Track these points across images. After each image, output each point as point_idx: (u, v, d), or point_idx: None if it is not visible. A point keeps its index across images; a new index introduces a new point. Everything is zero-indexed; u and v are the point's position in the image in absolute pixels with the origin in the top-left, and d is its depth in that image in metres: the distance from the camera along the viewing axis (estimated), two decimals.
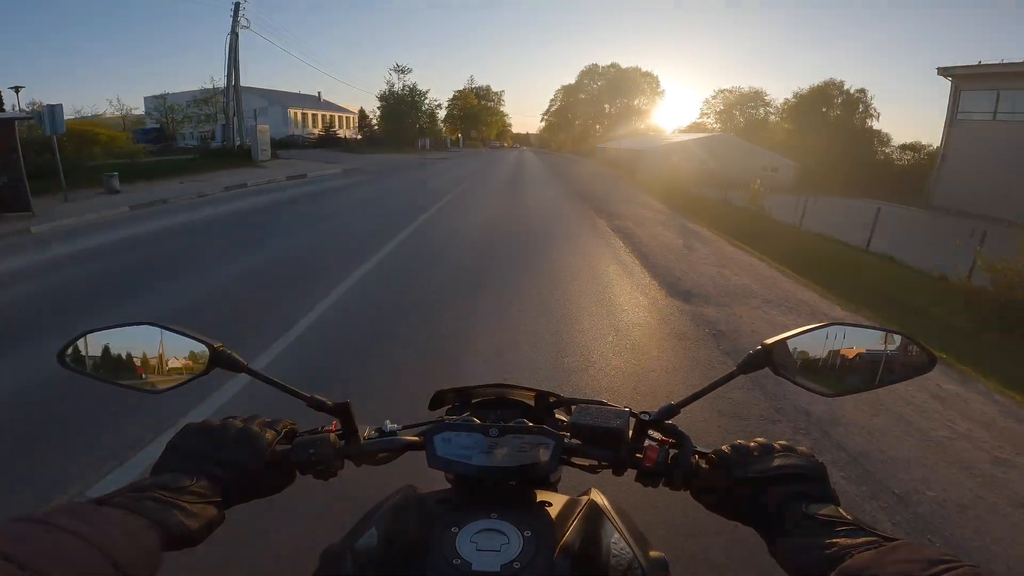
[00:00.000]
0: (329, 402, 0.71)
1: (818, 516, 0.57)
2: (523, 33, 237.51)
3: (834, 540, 0.53)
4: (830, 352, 0.69)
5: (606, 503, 0.70)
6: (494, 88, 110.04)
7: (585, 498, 0.69)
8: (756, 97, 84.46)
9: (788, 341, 0.69)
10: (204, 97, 36.73)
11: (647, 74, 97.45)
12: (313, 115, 73.56)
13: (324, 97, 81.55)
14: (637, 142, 54.09)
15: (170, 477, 0.58)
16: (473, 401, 0.87)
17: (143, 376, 0.71)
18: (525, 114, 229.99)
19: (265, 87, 63.84)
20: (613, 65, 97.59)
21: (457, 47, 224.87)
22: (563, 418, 0.84)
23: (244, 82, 28.95)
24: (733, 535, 2.06)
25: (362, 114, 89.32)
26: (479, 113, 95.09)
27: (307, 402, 0.71)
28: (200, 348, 0.70)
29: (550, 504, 0.67)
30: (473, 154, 52.76)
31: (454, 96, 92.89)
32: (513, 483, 0.69)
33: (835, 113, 76.14)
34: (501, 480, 0.68)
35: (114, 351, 0.70)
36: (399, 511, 0.66)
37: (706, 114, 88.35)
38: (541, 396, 0.85)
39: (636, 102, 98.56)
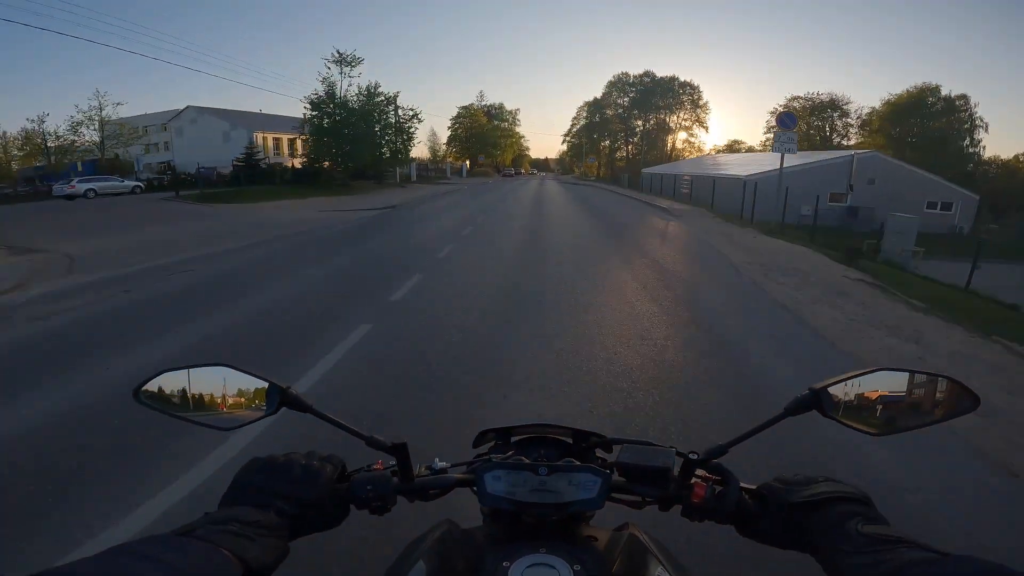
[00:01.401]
0: (388, 442, 0.73)
1: (875, 535, 0.57)
2: (540, 46, 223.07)
3: (893, 556, 0.53)
4: (877, 395, 0.70)
5: (646, 536, 0.72)
6: (508, 106, 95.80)
7: (626, 532, 0.72)
8: (833, 106, 68.88)
9: (835, 385, 0.69)
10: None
11: (686, 84, 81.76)
12: (289, 139, 59.46)
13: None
14: (701, 166, 38.15)
15: (243, 511, 0.60)
16: (513, 440, 0.86)
17: (214, 414, 0.73)
18: (544, 136, 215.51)
19: (229, 107, 50.86)
20: (647, 74, 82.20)
21: (463, 61, 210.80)
22: (603, 456, 0.84)
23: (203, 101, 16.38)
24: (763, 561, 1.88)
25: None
26: (489, 134, 79.97)
27: (367, 442, 0.73)
28: (269, 388, 0.72)
29: (596, 538, 0.70)
30: (476, 188, 38.51)
31: (458, 114, 78.08)
32: (557, 519, 0.70)
33: (936, 124, 60.71)
34: (549, 516, 0.69)
35: (188, 390, 0.73)
36: (444, 545, 0.68)
37: (772, 127, 72.53)
38: (580, 435, 0.85)
39: (675, 117, 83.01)
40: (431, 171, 56.25)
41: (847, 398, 0.70)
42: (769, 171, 24.58)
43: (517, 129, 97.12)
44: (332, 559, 2.06)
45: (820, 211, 15.62)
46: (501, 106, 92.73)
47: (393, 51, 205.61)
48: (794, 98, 66.48)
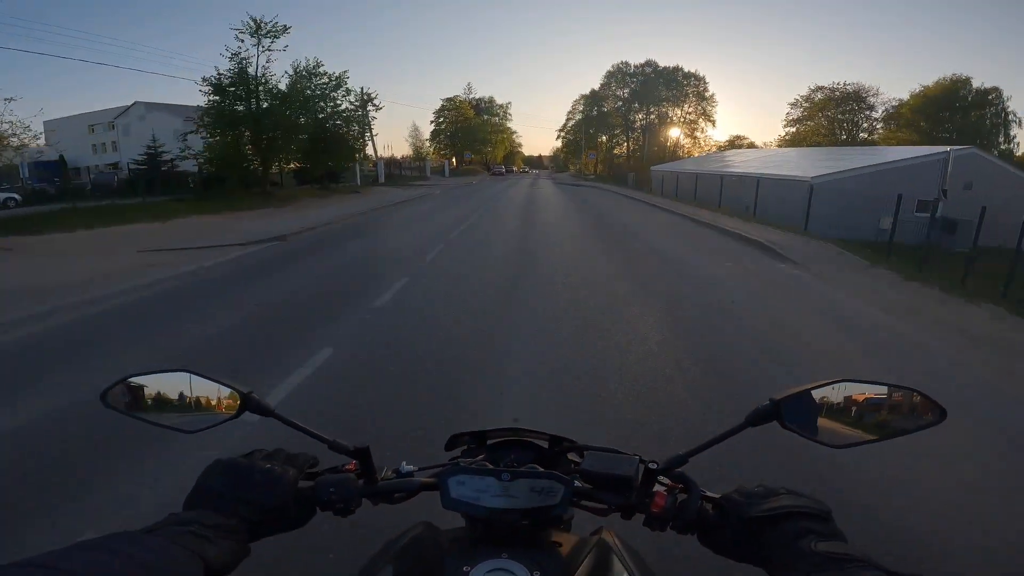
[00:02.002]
0: (350, 446, 0.74)
1: (828, 553, 0.56)
2: (531, 37, 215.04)
3: (845, 575, 0.53)
4: (839, 406, 0.69)
5: (617, 542, 0.72)
6: (499, 100, 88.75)
7: (595, 538, 0.72)
8: (856, 97, 61.94)
9: (798, 396, 0.69)
10: None
11: (690, 75, 75.09)
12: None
13: None
14: (725, 164, 31.42)
15: (205, 513, 0.62)
16: (488, 443, 0.87)
17: (179, 417, 0.75)
18: (537, 133, 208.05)
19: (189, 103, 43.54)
20: (649, 63, 75.43)
21: (449, 52, 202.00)
22: (576, 461, 0.83)
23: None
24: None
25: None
26: (477, 129, 72.95)
27: (329, 445, 0.74)
28: (231, 393, 0.74)
29: (560, 544, 0.71)
30: (453, 192, 30.41)
31: (442, 107, 70.90)
32: (526, 523, 0.69)
33: (970, 118, 54.50)
34: (512, 521, 0.69)
35: (153, 394, 0.75)
36: (414, 547, 0.70)
37: (793, 121, 65.84)
38: (555, 440, 0.85)
39: (679, 110, 76.33)
40: (407, 170, 49.21)
41: (808, 409, 0.69)
42: (836, 173, 18.00)
43: (508, 124, 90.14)
44: (306, 555, 2.10)
45: (901, 223, 12.14)
46: (491, 100, 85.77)
47: (370, 39, 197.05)
48: (817, 88, 59.79)
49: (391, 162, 44.71)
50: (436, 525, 0.77)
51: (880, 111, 58.79)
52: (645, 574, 0.68)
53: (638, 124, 76.23)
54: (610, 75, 76.60)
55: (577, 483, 0.73)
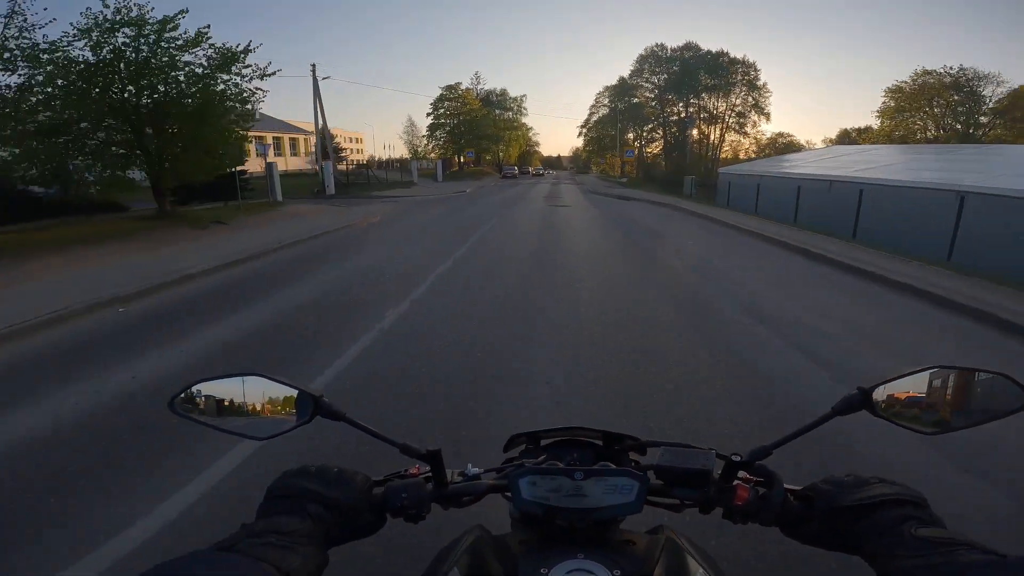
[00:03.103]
0: (422, 449, 0.72)
1: (930, 538, 0.55)
2: (549, 26, 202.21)
3: (950, 559, 0.52)
4: (930, 393, 0.69)
5: (683, 539, 0.70)
6: (512, 93, 76.91)
7: (662, 535, 0.71)
8: (956, 87, 48.27)
9: (886, 384, 0.68)
10: None
11: (737, 61, 62.39)
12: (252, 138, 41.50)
13: (271, 113, 49.69)
14: (822, 164, 20.46)
15: (279, 520, 0.60)
16: (543, 443, 0.85)
17: (248, 423, 0.73)
18: (554, 129, 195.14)
19: None
20: (688, 46, 62.97)
21: (457, 39, 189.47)
22: (636, 459, 0.82)
23: None
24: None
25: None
26: (485, 124, 61.21)
27: (401, 449, 0.72)
28: (303, 397, 0.72)
29: (634, 543, 0.69)
30: (406, 220, 17.31)
31: (441, 96, 59.03)
32: (588, 523, 0.68)
33: None
34: (584, 521, 0.68)
35: (222, 399, 0.73)
36: (478, 551, 0.67)
37: (884, 112, 52.81)
38: (612, 437, 0.83)
39: (725, 102, 63.79)
40: (389, 171, 37.58)
41: (898, 397, 0.68)
42: None
43: (523, 120, 78.13)
44: (363, 566, 1.98)
45: None
46: (504, 92, 73.85)
47: (371, 27, 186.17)
48: (925, 72, 46.55)
49: (382, 163, 33.17)
50: (489, 529, 0.75)
51: (991, 102, 45.51)
52: (715, 569, 0.66)
53: (675, 117, 64.05)
54: (642, 60, 64.38)
55: (651, 479, 0.70)
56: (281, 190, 21.36)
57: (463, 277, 7.79)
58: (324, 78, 30.01)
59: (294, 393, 0.72)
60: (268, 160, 20.79)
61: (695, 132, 63.08)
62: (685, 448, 0.73)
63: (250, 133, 17.68)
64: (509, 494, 0.70)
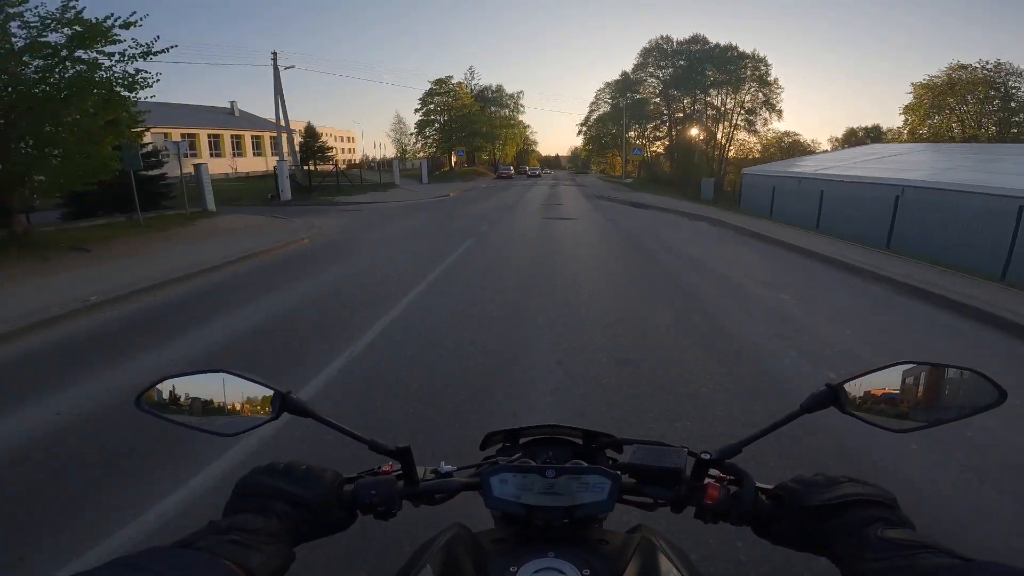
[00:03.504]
0: (391, 446, 0.71)
1: (896, 540, 0.55)
2: (547, 23, 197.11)
3: (915, 562, 0.52)
4: (898, 389, 0.68)
5: (659, 538, 0.69)
6: (508, 89, 72.78)
7: (638, 535, 0.70)
8: (987, 83, 43.77)
9: (854, 380, 0.68)
10: None
11: (746, 55, 58.31)
12: (215, 136, 40.01)
13: (246, 109, 46.30)
14: (857, 165, 17.42)
15: (246, 518, 0.59)
16: (521, 441, 0.84)
17: (216, 420, 0.72)
18: (552, 128, 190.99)
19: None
20: (696, 38, 58.85)
21: (450, 34, 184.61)
22: (614, 457, 0.81)
23: None
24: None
25: (311, 132, 54.38)
26: (478, 121, 56.96)
27: (370, 446, 0.71)
28: (270, 394, 0.71)
29: (605, 541, 0.69)
30: (389, 226, 14.14)
31: (430, 91, 54.65)
32: (567, 521, 0.67)
33: None
34: (557, 519, 0.67)
35: (188, 396, 0.72)
36: (452, 549, 0.67)
37: (912, 108, 48.64)
38: (590, 435, 0.82)
39: (733, 98, 59.67)
40: (356, 173, 33.31)
41: (866, 394, 0.67)
42: None
43: (521, 118, 73.89)
44: (340, 562, 1.95)
45: None
46: (500, 89, 69.64)
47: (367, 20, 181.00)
48: (960, 67, 42.22)
49: (373, 163, 28.81)
50: (469, 527, 0.73)
51: None
52: (690, 569, 0.66)
53: (681, 114, 59.97)
54: (646, 53, 60.27)
55: (623, 477, 0.70)
56: (215, 197, 17.16)
57: (367, 397, 3.69)
58: (287, 68, 25.86)
59: (262, 390, 0.71)
60: (196, 161, 16.46)
61: (699, 131, 59.22)
62: (658, 446, 0.72)
63: (206, 131, 13.49)
64: (483, 492, 0.69)
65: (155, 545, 0.50)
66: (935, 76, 43.32)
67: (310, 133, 60.33)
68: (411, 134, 55.96)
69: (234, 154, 41.80)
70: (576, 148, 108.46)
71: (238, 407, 0.72)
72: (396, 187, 30.40)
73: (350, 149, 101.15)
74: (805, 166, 23.42)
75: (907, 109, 47.94)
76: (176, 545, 0.52)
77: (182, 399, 0.72)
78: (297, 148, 51.76)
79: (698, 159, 57.08)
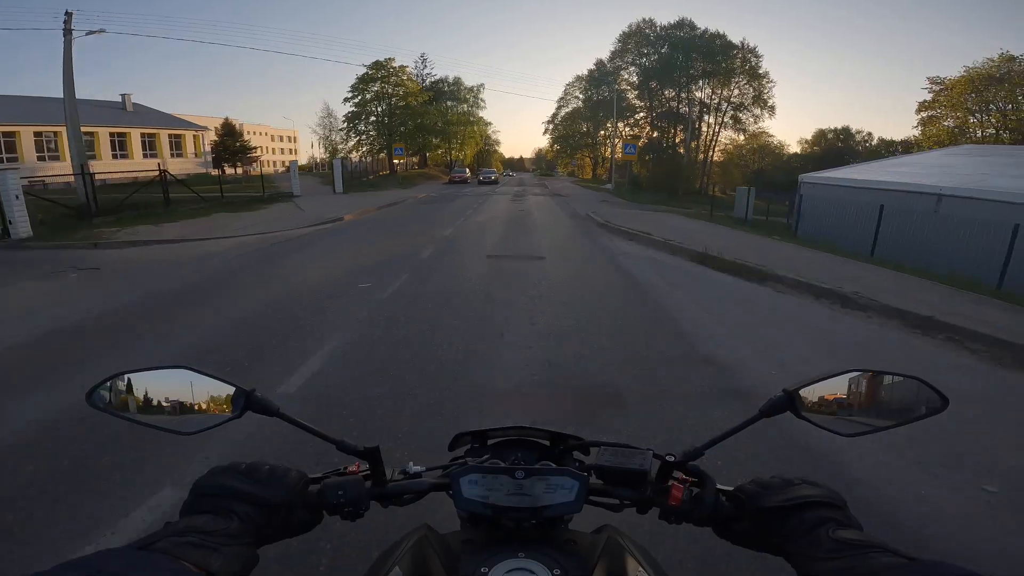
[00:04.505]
0: (359, 446, 0.70)
1: (846, 540, 0.56)
2: (509, 12, 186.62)
3: (863, 562, 0.52)
4: (849, 396, 0.70)
5: (625, 539, 0.70)
6: (468, 83, 62.86)
7: (605, 535, 0.70)
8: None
9: (808, 386, 0.69)
10: None
11: (734, 45, 50.25)
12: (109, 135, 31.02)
13: (143, 103, 36.32)
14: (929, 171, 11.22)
15: (205, 519, 0.57)
16: (490, 442, 0.83)
17: (174, 418, 0.69)
18: (515, 128, 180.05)
19: None
20: (682, 23, 50.35)
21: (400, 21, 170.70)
22: (581, 458, 0.82)
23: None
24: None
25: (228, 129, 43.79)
26: (428, 114, 46.64)
27: (337, 446, 0.70)
28: (233, 392, 0.68)
29: (575, 542, 0.68)
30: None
31: (365, 76, 43.88)
32: (535, 522, 0.68)
33: None
34: (526, 520, 0.67)
35: (146, 393, 0.68)
36: (421, 551, 0.66)
37: (928, 107, 40.97)
38: (557, 437, 0.82)
39: (719, 94, 51.45)
40: (259, 178, 22.57)
41: (820, 399, 0.69)
42: None
43: (482, 114, 64.01)
44: (306, 564, 1.89)
45: None
46: (457, 82, 59.75)
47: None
48: (1010, 58, 34.26)
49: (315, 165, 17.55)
50: (435, 529, 0.72)
51: None
52: (655, 568, 0.67)
53: (663, 109, 51.40)
54: (626, 37, 51.44)
55: (590, 479, 0.70)
56: None
57: None
58: (91, 32, 15.20)
59: (224, 387, 0.68)
60: None
61: (683, 128, 50.95)
62: (624, 448, 0.73)
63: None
64: (451, 493, 0.68)
65: (110, 547, 0.48)
66: (976, 68, 35.67)
67: (228, 131, 49.26)
68: (340, 129, 45.15)
69: (115, 155, 32.06)
70: (541, 149, 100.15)
71: (198, 405, 0.68)
72: (283, 202, 20.07)
73: (291, 150, 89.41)
74: (917, 173, 14.49)
75: (926, 106, 40.65)
76: (132, 547, 0.49)
77: (138, 396, 0.67)
78: (209, 148, 41.44)
79: (687, 161, 48.80)
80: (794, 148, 61.35)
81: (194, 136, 38.46)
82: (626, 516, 0.75)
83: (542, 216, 16.43)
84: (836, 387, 0.69)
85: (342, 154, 43.13)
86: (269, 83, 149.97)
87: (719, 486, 0.70)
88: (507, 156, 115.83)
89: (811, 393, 0.69)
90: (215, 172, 37.80)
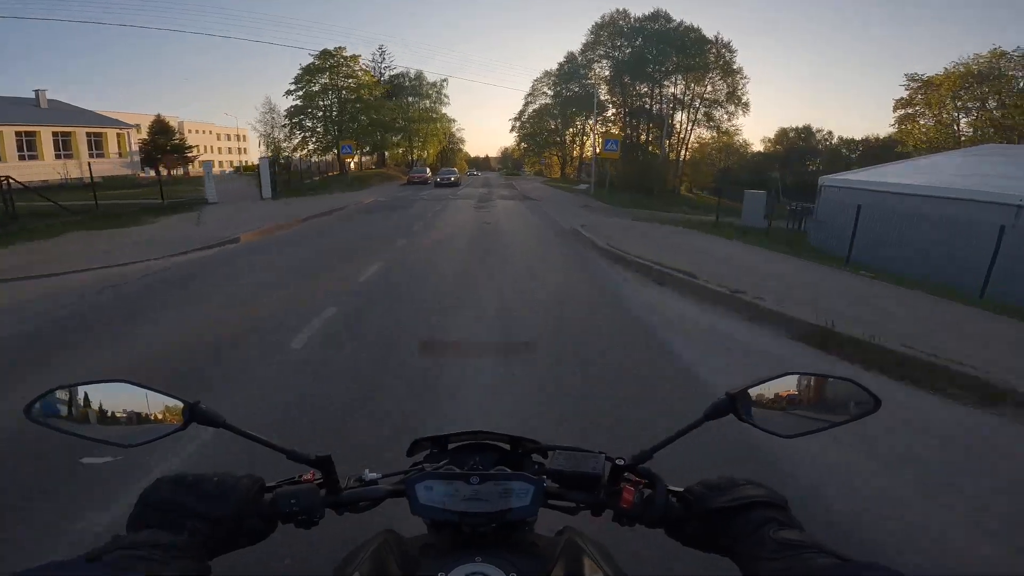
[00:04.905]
0: (311, 455, 0.69)
1: (786, 540, 0.57)
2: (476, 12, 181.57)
3: (802, 563, 0.53)
4: (788, 398, 0.71)
5: (584, 540, 0.70)
6: (429, 77, 58.28)
7: (564, 537, 0.69)
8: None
9: (750, 389, 0.70)
10: None
11: (707, 39, 47.61)
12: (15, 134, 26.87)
13: (67, 100, 32.60)
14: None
15: (153, 533, 0.55)
16: (450, 447, 0.82)
17: (117, 430, 0.67)
18: (481, 127, 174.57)
19: None
20: (657, 15, 47.28)
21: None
22: (540, 462, 0.80)
23: None
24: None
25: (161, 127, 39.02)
26: (382, 109, 42.02)
27: (288, 455, 0.69)
28: (176, 404, 0.67)
29: (533, 544, 0.68)
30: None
31: (311, 67, 38.90)
32: (494, 526, 0.67)
33: None
34: (483, 525, 0.66)
35: (85, 406, 0.67)
36: (380, 556, 0.65)
37: (906, 104, 38.80)
38: (517, 441, 0.81)
39: (692, 90, 48.64)
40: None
41: (761, 402, 0.70)
42: None
43: (445, 110, 59.67)
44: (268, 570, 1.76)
45: None
46: (419, 76, 55.40)
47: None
48: (1001, 54, 31.95)
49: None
50: (399, 533, 0.71)
51: None
52: (614, 569, 0.67)
53: (638, 104, 48.28)
54: (599, 29, 48.09)
55: (546, 483, 0.70)
56: None
57: None
58: None
59: (167, 400, 0.67)
60: None
61: (657, 126, 48.15)
62: (578, 452, 0.74)
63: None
64: (408, 499, 0.68)
65: (56, 559, 0.48)
66: (966, 62, 33.56)
67: (160, 128, 43.65)
68: (283, 126, 39.97)
69: (23, 156, 27.71)
70: (507, 148, 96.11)
71: (141, 417, 0.67)
72: (187, 211, 15.61)
73: (241, 149, 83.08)
74: (880, 174, 11.40)
75: (903, 103, 38.64)
76: (81, 559, 0.49)
77: (78, 409, 0.66)
78: (136, 147, 36.95)
79: (662, 159, 45.86)
80: (757, 147, 59.95)
81: (118, 134, 33.77)
82: (603, 519, 0.73)
83: (515, 233, 12.42)
84: (776, 389, 0.70)
85: (287, 153, 38.15)
86: (218, 81, 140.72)
87: (671, 488, 0.70)
88: (473, 155, 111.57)
89: (752, 395, 0.69)
90: (142, 175, 33.73)
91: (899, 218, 10.59)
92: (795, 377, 0.71)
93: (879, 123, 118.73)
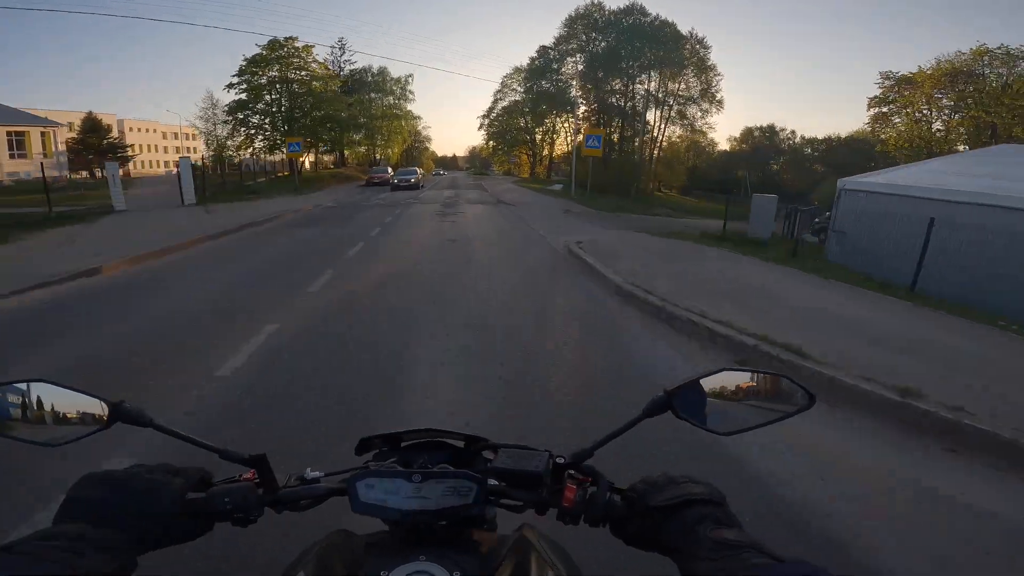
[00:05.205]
0: (244, 455, 0.68)
1: (723, 539, 0.56)
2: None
3: (736, 562, 0.53)
4: (725, 394, 0.70)
5: (538, 538, 0.69)
6: (394, 72, 54.87)
7: (516, 535, 0.69)
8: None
9: (688, 386, 0.69)
10: None
11: (680, 35, 45.82)
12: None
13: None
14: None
15: (78, 527, 0.54)
16: (402, 445, 0.80)
17: (38, 429, 0.66)
18: (447, 125, 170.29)
19: None
20: (632, 9, 45.04)
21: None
22: (490, 459, 0.77)
23: None
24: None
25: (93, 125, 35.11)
26: (338, 104, 38.38)
27: (220, 455, 0.68)
28: (99, 403, 0.66)
29: (480, 543, 0.68)
30: None
31: (257, 58, 34.98)
32: (444, 523, 0.66)
33: None
34: (429, 523, 0.66)
35: (5, 407, 0.65)
36: (328, 556, 0.65)
37: (880, 103, 37.33)
38: (469, 439, 0.79)
39: (666, 87, 46.67)
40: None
41: (698, 399, 0.69)
42: None
43: (410, 107, 56.35)
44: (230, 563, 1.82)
45: None
46: (383, 72, 52.14)
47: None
48: (985, 51, 30.50)
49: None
50: (354, 532, 0.71)
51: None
52: (568, 567, 0.66)
53: (612, 100, 46.05)
54: (572, 22, 45.55)
55: (491, 481, 0.69)
56: None
57: None
58: None
59: (89, 400, 0.66)
60: None
61: (631, 124, 46.12)
62: (522, 450, 0.73)
63: None
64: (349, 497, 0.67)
65: None
66: (948, 60, 32.32)
67: (91, 127, 39.11)
68: (225, 122, 35.85)
69: None
70: (476, 147, 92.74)
71: (64, 416, 0.65)
72: (74, 224, 12.13)
73: (193, 148, 77.64)
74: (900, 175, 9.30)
75: (877, 101, 37.48)
76: None
77: None
78: (65, 147, 33.15)
79: (638, 158, 43.78)
80: (723, 146, 58.80)
81: (43, 133, 31.26)
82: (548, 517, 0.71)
83: (492, 261, 9.02)
84: (713, 385, 0.69)
85: (230, 152, 34.24)
86: (167, 79, 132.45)
87: (616, 486, 0.69)
88: (440, 155, 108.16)
89: (689, 392, 0.68)
90: (74, 176, 31.87)
91: (965, 232, 8.26)
92: (733, 373, 0.70)
93: (844, 122, 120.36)
